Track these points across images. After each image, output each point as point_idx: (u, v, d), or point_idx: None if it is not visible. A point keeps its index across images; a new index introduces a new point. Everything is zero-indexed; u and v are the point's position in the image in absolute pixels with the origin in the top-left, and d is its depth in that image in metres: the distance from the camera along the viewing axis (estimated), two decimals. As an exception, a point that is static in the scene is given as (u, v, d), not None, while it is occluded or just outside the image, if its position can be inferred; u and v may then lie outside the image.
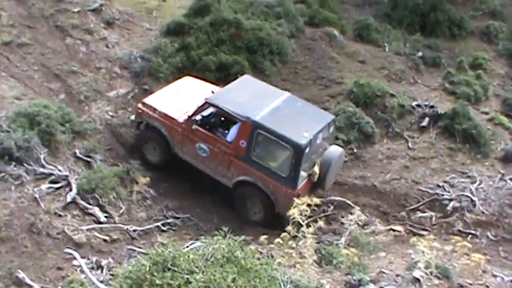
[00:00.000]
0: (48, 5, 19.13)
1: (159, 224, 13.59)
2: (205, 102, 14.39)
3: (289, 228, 10.04)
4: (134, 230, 13.10)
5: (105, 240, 12.64)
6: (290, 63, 18.75)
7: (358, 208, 13.43)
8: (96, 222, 12.98)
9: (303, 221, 9.82)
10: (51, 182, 13.51)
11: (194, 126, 14.45)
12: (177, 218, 14.03)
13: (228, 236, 7.99)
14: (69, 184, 13.53)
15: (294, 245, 10.22)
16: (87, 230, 12.62)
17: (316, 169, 14.07)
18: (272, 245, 10.79)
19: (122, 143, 15.77)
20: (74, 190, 13.35)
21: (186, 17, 18.79)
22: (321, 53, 19.41)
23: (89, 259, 11.80)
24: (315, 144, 13.86)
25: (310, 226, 9.95)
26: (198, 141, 14.49)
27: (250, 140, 13.81)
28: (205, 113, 14.71)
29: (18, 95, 15.88)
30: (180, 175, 15.26)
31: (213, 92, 15.08)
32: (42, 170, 13.64)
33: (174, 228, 13.74)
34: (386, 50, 21.15)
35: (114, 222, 13.16)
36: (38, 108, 14.56)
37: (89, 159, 14.63)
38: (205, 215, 14.36)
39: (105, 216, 13.18)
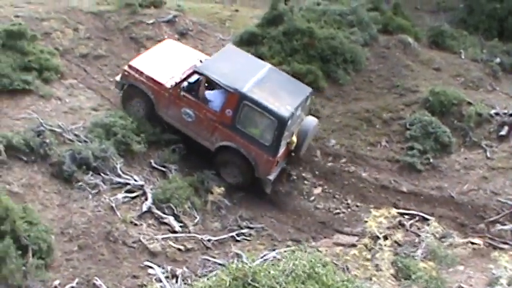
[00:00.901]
0: (123, 18, 19.52)
1: (233, 234, 13.63)
2: (194, 71, 15.17)
3: (366, 240, 9.87)
4: (209, 240, 13.19)
5: (179, 250, 12.75)
6: (364, 72, 18.51)
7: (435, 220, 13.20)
8: (171, 232, 13.14)
9: (380, 233, 9.65)
10: (127, 191, 13.78)
11: (182, 93, 15.14)
12: (251, 228, 14.02)
13: (306, 250, 7.89)
14: (144, 193, 13.77)
15: (369, 257, 10.04)
16: (162, 239, 12.80)
17: (295, 138, 14.97)
18: (348, 257, 10.64)
19: (196, 153, 15.80)
20: (150, 199, 13.56)
21: (259, 26, 18.79)
22: (395, 61, 19.11)
23: (163, 268, 11.94)
24: (295, 116, 14.66)
25: (387, 238, 9.77)
26: (184, 106, 15.17)
27: (236, 110, 14.61)
28: (192, 79, 15.39)
29: (95, 105, 16.24)
30: (253, 185, 15.34)
31: (201, 61, 15.86)
32: (118, 179, 13.93)
33: (248, 238, 13.71)
34: (463, 56, 20.64)
35: (189, 232, 13.27)
36: (114, 118, 14.92)
37: (164, 169, 14.82)
38: (279, 225, 14.31)
39: (180, 226, 13.33)
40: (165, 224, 13.27)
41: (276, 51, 17.83)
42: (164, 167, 14.86)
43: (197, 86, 15.23)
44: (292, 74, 17.14)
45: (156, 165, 14.87)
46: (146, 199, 13.59)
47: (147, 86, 15.54)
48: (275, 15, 18.62)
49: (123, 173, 14.09)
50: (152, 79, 15.51)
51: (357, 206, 15.12)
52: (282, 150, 14.72)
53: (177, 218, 13.42)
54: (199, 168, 15.12)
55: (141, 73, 15.61)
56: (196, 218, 13.67)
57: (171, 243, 12.78)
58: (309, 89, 15.69)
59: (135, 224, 12.99)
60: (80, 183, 13.55)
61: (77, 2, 20.69)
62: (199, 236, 13.17)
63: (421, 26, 23.06)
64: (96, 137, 14.48)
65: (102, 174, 13.84)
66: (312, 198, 15.27)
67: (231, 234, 13.61)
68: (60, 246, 11.95)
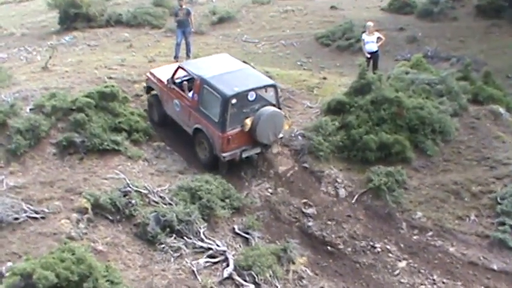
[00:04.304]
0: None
1: (315, 306, 13.31)
2: (179, 67, 17.84)
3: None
4: (288, 310, 12.92)
5: (259, 319, 12.56)
6: (453, 143, 18.01)
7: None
8: (251, 300, 12.94)
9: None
10: (209, 256, 13.79)
11: (171, 86, 17.67)
12: (333, 301, 13.68)
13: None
14: (226, 259, 13.71)
15: None
16: (242, 307, 12.63)
17: (248, 121, 16.22)
18: None
19: (280, 221, 15.76)
20: (231, 266, 13.48)
21: (347, 95, 18.66)
22: (485, 132, 18.55)
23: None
24: (245, 100, 16.42)
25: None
26: (174, 98, 17.59)
27: (199, 94, 16.70)
28: (185, 77, 17.76)
29: (181, 169, 16.62)
30: (335, 255, 15.09)
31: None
32: (201, 243, 13.99)
33: (329, 312, 13.39)
34: (558, 127, 19.85)
35: (269, 301, 13.03)
36: (199, 183, 15.15)
37: (247, 236, 14.79)
38: (362, 299, 13.95)
39: (261, 294, 13.10)
40: (246, 291, 13.12)
41: (364, 120, 17.63)
42: (247, 233, 14.84)
43: (185, 80, 17.68)
44: (380, 143, 16.97)
45: (239, 231, 14.89)
46: (228, 265, 13.51)
47: (156, 86, 18.47)
48: (363, 84, 18.47)
49: (206, 237, 14.14)
50: (159, 79, 18.33)
51: (443, 282, 14.52)
52: (235, 129, 16.18)
53: (257, 286, 13.20)
54: (283, 236, 15.04)
55: (154, 76, 18.64)
56: (277, 287, 13.38)
57: (250, 311, 12.62)
58: (271, 82, 17.40)
59: (216, 290, 12.91)
60: (162, 246, 13.72)
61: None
62: (279, 306, 12.94)
63: (513, 95, 22.48)
64: (181, 200, 14.70)
65: (185, 237, 13.96)
66: (397, 272, 14.77)
67: (313, 306, 13.30)
68: (140, 307, 11.99)
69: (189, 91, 17.22)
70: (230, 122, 16.03)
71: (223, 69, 17.23)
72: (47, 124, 16.39)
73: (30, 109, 17.12)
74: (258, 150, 16.79)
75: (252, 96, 16.47)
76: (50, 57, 22.53)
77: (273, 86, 17.08)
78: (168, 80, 17.75)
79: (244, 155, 16.54)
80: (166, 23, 30.92)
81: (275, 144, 16.98)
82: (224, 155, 16.17)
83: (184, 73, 17.67)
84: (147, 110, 18.83)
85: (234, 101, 15.99)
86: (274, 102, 16.87)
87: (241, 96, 16.22)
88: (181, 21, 23.00)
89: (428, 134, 17.79)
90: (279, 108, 16.91)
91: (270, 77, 18.99)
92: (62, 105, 16.83)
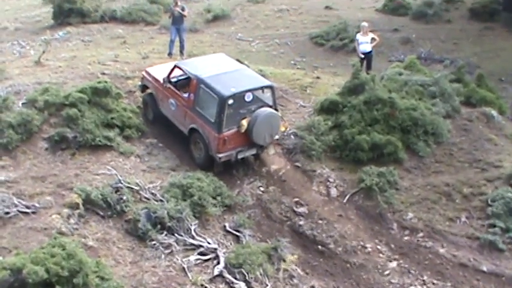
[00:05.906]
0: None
1: (306, 305, 13.32)
2: (175, 66, 17.73)
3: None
4: (278, 309, 12.93)
5: (248, 317, 12.55)
6: (445, 145, 18.02)
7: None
8: (241, 298, 12.93)
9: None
10: (200, 253, 13.81)
11: (167, 85, 17.57)
12: (323, 300, 13.70)
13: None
14: (217, 257, 13.73)
15: None
16: (232, 304, 12.62)
17: (245, 122, 16.19)
18: None
19: (271, 219, 15.80)
20: (222, 263, 13.51)
21: (340, 95, 18.67)
22: (477, 134, 18.57)
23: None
24: (242, 100, 16.37)
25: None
26: (170, 97, 17.53)
27: (195, 94, 16.68)
28: (174, 73, 17.75)
29: (173, 166, 16.63)
30: (326, 254, 15.12)
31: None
32: (191, 241, 14.00)
33: (320, 311, 13.40)
34: (551, 131, 19.87)
35: (259, 299, 13.04)
36: (191, 180, 15.13)
37: (238, 234, 14.80)
38: (352, 298, 13.97)
39: (251, 292, 13.09)
40: (236, 289, 13.12)
41: (356, 120, 17.61)
42: (238, 231, 14.85)
43: (180, 79, 17.72)
44: (372, 144, 16.99)
45: (230, 229, 14.90)
46: (218, 263, 13.54)
47: (151, 84, 18.37)
48: (356, 84, 18.46)
49: (197, 234, 14.16)
50: (155, 78, 18.22)
51: (433, 283, 14.55)
52: (231, 130, 16.16)
53: (248, 284, 13.20)
54: (274, 234, 15.09)
55: (150, 75, 18.51)
56: (267, 285, 13.40)
57: (240, 309, 12.60)
58: (268, 83, 17.39)
59: (206, 288, 12.90)
60: (153, 242, 13.72)
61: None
62: (269, 304, 12.94)
63: (505, 98, 22.44)
64: (172, 197, 14.69)
65: (176, 234, 13.98)
66: (387, 272, 14.80)
67: (304, 305, 13.31)
68: (130, 304, 11.97)
69: (185, 91, 17.15)
70: (226, 122, 16.02)
71: (220, 69, 17.18)
72: (39, 119, 16.37)
73: (23, 103, 17.11)
74: (253, 151, 16.80)
75: (248, 97, 16.44)
76: (44, 52, 22.46)
77: (270, 87, 17.05)
78: (164, 79, 17.64)
79: (239, 156, 16.54)
80: (161, 19, 30.85)
81: (271, 145, 17.02)
82: (220, 155, 16.18)
83: (180, 72, 17.59)
84: (142, 109, 18.76)
85: (230, 101, 16.00)
86: (270, 103, 16.85)
87: (238, 96, 16.21)
88: (175, 18, 23.00)
89: (420, 135, 17.78)
90: (276, 109, 16.87)
91: (264, 76, 19.00)
92: (54, 100, 16.78)
